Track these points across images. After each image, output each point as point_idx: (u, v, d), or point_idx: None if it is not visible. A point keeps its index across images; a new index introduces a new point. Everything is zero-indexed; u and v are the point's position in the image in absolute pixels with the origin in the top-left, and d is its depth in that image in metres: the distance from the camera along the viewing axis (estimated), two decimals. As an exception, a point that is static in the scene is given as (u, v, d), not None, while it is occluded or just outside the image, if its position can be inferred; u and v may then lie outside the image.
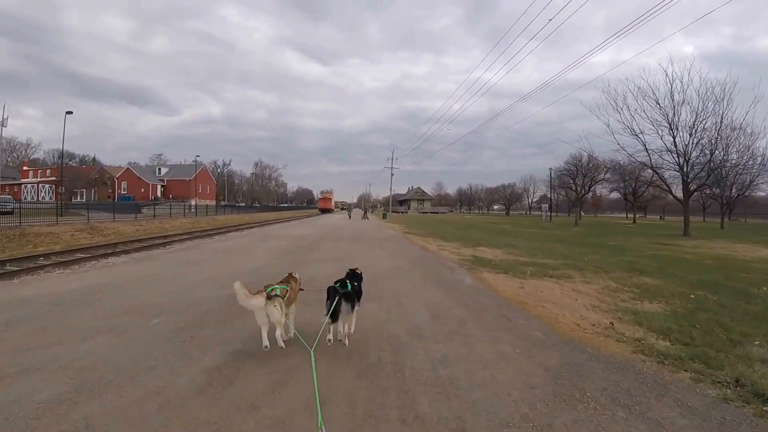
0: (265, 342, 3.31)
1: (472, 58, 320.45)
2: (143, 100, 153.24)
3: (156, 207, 33.11)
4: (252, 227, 24.03)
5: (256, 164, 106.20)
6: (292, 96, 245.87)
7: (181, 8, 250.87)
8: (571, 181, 41.75)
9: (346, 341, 3.62)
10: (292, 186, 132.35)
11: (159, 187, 67.92)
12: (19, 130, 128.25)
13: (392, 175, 66.13)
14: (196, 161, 64.45)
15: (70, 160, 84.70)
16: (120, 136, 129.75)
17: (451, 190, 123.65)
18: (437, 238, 17.36)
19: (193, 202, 49.11)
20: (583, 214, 70.48)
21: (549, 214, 44.81)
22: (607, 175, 38.83)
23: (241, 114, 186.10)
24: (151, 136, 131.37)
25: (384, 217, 45.31)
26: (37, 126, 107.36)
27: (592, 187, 40.59)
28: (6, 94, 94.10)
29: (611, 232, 28.00)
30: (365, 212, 48.87)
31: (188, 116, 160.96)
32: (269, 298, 3.23)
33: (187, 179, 67.14)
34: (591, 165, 38.72)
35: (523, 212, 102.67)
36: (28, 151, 75.42)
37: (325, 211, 71.79)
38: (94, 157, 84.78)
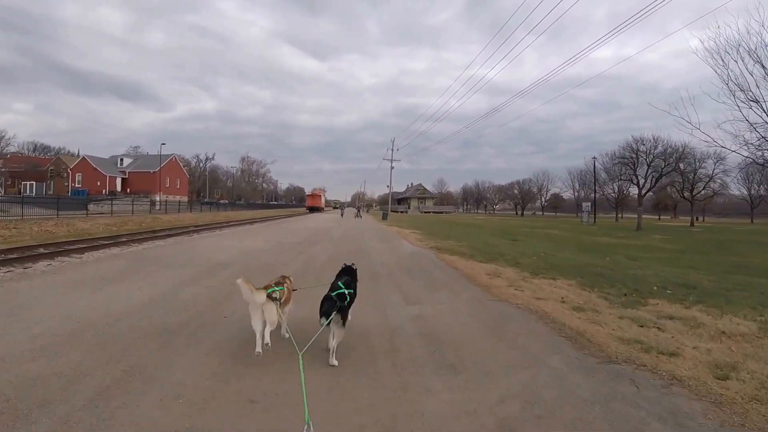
0: (258, 349, 3.04)
1: (472, 53, 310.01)
2: (136, 94, 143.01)
3: (106, 202, 28.70)
4: (183, 234, 14.84)
5: (243, 159, 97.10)
6: (288, 92, 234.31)
7: (179, 1, 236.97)
8: (632, 173, 32.09)
9: (333, 359, 2.98)
10: (283, 183, 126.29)
11: (119, 179, 58.06)
12: (6, 124, 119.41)
13: (392, 167, 56.65)
14: (161, 151, 54.80)
15: (46, 154, 75.53)
16: (110, 132, 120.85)
17: (452, 188, 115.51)
18: (507, 263, 8.34)
19: (157, 198, 40.47)
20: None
21: (592, 215, 35.49)
22: (674, 167, 29.67)
23: (235, 110, 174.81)
24: (143, 131, 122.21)
25: (384, 218, 34.52)
26: (27, 120, 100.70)
27: (659, 180, 31.27)
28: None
29: (714, 242, 19.77)
30: (358, 210, 47.32)
31: (181, 112, 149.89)
32: (270, 297, 3.10)
33: (152, 171, 57.49)
34: (659, 151, 29.61)
35: (533, 212, 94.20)
36: (2, 143, 66.27)
37: (313, 209, 62.78)
38: (78, 153, 75.63)
